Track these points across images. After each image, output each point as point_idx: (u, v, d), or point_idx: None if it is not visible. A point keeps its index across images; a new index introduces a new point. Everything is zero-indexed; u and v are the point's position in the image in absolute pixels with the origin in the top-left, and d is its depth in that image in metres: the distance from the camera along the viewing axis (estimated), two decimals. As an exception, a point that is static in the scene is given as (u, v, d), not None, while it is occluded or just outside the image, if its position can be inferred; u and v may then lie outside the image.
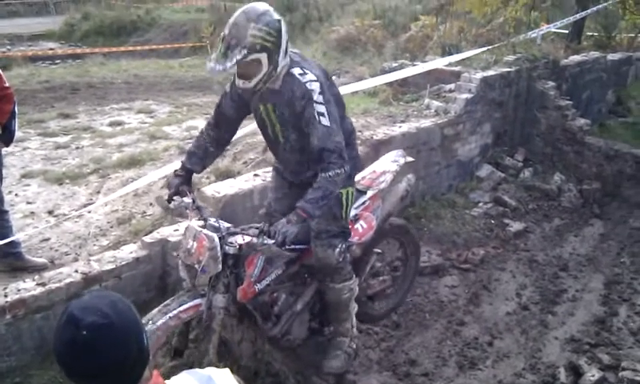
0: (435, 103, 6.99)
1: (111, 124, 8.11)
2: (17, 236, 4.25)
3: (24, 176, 5.95)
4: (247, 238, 3.00)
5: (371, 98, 8.04)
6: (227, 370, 1.67)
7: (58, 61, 15.15)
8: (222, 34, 2.85)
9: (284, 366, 3.71)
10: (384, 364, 4.12)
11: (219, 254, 2.86)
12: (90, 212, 5.07)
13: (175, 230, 4.18)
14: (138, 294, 3.78)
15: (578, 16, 10.97)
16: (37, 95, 9.77)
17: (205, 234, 2.90)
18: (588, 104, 9.61)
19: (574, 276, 5.58)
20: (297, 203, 2.99)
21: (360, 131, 6.08)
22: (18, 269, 4.14)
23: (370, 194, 3.80)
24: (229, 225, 3.07)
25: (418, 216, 6.19)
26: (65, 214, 5.03)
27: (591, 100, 9.78)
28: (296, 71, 2.98)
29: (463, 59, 7.75)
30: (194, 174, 3.43)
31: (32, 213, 5.12)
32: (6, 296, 3.37)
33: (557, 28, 10.91)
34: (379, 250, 4.17)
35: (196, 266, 2.92)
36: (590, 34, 12.84)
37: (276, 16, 2.86)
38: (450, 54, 8.33)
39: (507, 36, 9.32)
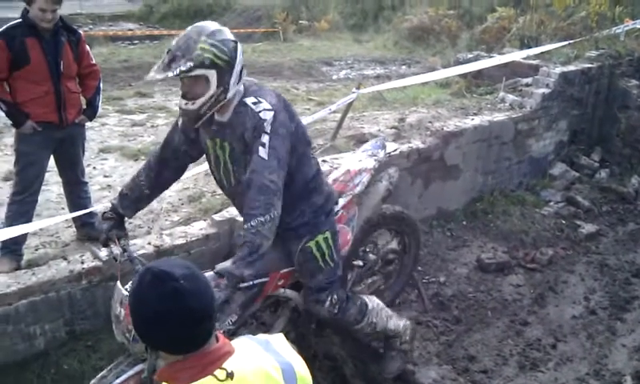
0: (510, 97, 6.82)
1: (185, 105, 8.32)
2: (94, 207, 4.42)
3: (102, 150, 6.20)
4: None
5: (443, 89, 7.92)
6: (281, 334, 1.76)
7: (136, 41, 15.65)
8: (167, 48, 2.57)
9: (342, 350, 3.74)
10: (443, 357, 4.10)
11: None
12: (162, 188, 5.24)
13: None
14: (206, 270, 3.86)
15: (667, 12, 10.41)
16: (116, 74, 10.15)
17: None
18: (673, 105, 9.11)
19: (647, 283, 5.35)
20: (219, 267, 2.66)
21: (430, 122, 6.03)
22: (94, 238, 4.28)
23: (342, 201, 3.27)
24: None
25: (485, 211, 6.09)
26: (139, 189, 5.22)
27: (677, 101, 9.25)
28: (249, 100, 2.67)
29: (542, 53, 7.52)
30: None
31: (109, 186, 5.33)
32: (82, 263, 3.56)
33: (643, 24, 10.38)
34: (360, 263, 3.69)
35: (127, 335, 2.50)
36: (681, 31, 12.15)
37: (232, 37, 2.60)
38: (529, 46, 8.09)
39: (589, 31, 8.95)
